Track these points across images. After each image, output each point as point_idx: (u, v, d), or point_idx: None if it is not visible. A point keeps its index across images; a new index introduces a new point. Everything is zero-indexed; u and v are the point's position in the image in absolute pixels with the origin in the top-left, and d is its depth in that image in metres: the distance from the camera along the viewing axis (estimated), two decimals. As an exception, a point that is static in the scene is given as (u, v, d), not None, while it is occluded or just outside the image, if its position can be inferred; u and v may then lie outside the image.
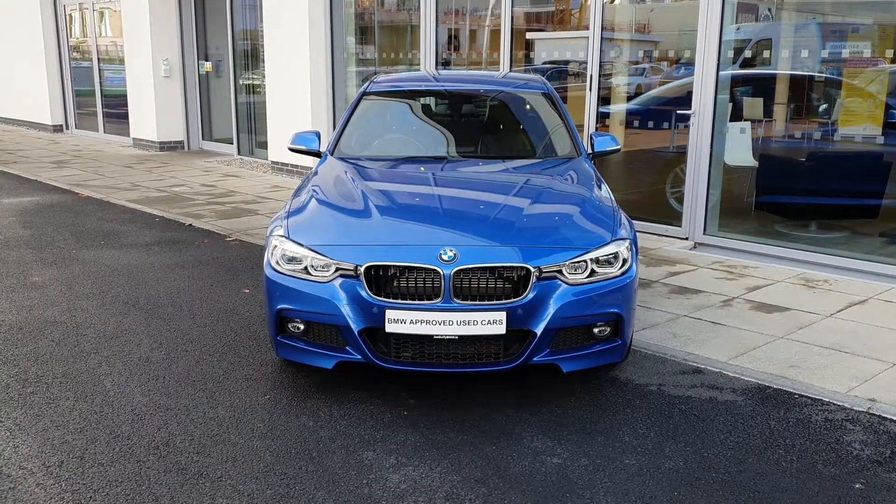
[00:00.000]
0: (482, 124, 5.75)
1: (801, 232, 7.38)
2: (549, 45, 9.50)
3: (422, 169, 4.99)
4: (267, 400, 4.02)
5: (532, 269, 3.77)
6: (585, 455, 3.48)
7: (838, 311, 5.41)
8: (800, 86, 7.78)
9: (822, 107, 7.73)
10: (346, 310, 3.82)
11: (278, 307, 3.99)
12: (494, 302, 3.76)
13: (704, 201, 7.41)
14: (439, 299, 3.75)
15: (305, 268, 3.93)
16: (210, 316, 5.32)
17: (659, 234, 7.68)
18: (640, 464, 3.42)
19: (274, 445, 3.55)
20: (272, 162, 11.89)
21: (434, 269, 3.75)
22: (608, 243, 4.01)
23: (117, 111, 15.75)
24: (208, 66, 13.77)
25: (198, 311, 5.41)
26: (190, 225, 8.25)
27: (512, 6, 8.94)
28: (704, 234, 7.45)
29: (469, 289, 3.76)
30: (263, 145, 12.46)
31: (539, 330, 3.81)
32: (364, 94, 5.69)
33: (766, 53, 7.61)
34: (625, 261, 4.02)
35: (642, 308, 5.37)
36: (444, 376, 4.21)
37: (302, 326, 4.01)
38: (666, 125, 8.26)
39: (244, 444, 3.56)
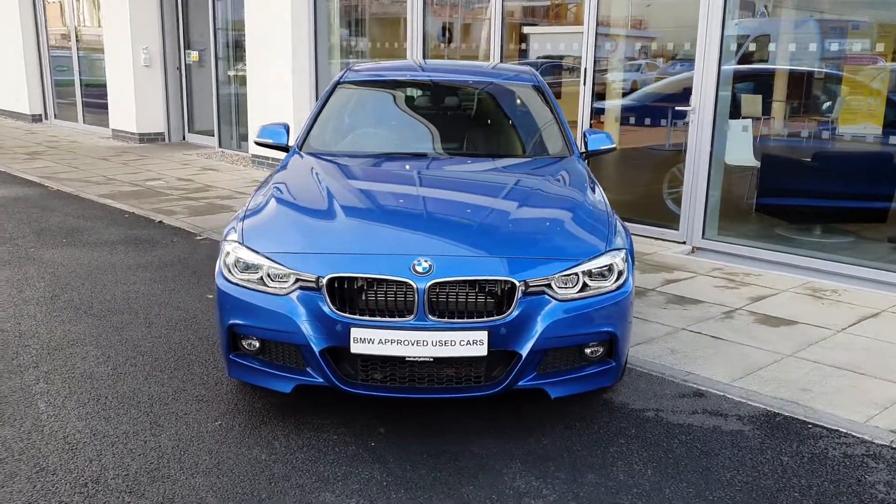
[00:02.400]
0: (467, 118, 5.30)
1: (805, 236, 6.98)
2: (543, 39, 9.07)
3: (400, 167, 4.55)
4: (217, 427, 3.57)
5: (517, 283, 3.34)
6: (575, 497, 3.05)
7: (850, 326, 5.00)
8: (803, 82, 7.39)
9: (825, 104, 7.34)
10: (306, 327, 3.38)
11: (230, 322, 3.55)
12: (475, 320, 3.33)
13: (703, 203, 6.98)
14: (412, 316, 3.31)
15: (261, 278, 3.49)
16: (167, 325, 4.87)
17: (654, 238, 7.26)
18: (636, 509, 2.99)
19: (219, 484, 3.10)
20: (252, 155, 11.43)
21: (406, 283, 3.31)
22: (602, 254, 3.58)
23: (97, 101, 15.23)
24: (194, 55, 13.25)
25: (154, 319, 4.97)
26: (160, 222, 7.79)
27: (503, -5, 8.50)
28: (703, 237, 7.02)
29: (446, 304, 3.33)
30: (245, 138, 11.99)
31: (525, 351, 3.37)
32: (339, 82, 5.23)
33: (764, 49, 7.21)
34: (620, 273, 3.59)
35: (637, 320, 4.94)
36: (419, 399, 3.77)
37: (257, 344, 3.57)
38: (663, 122, 7.84)
39: (185, 481, 3.11)
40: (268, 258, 3.50)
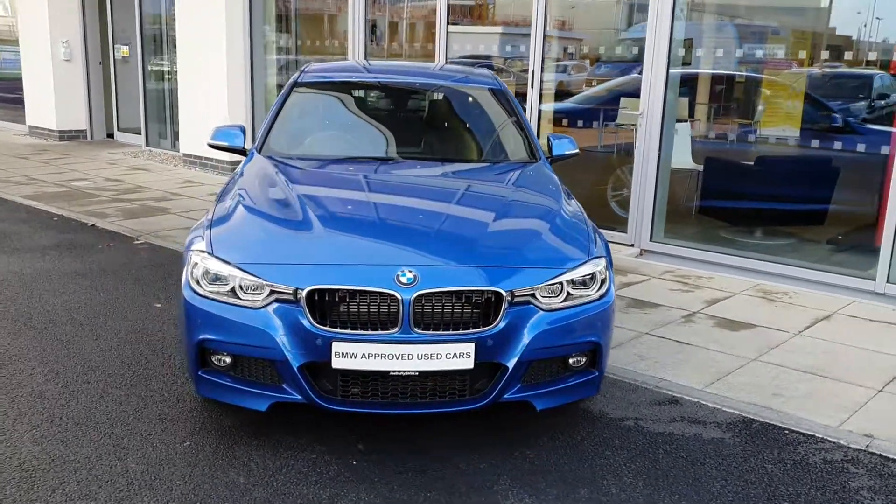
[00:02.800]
0: (431, 122, 5.19)
1: (747, 238, 7.11)
2: (471, 39, 9.00)
3: (367, 173, 4.41)
4: (187, 448, 3.38)
5: (504, 294, 3.25)
6: (570, 514, 2.99)
7: (806, 329, 5.09)
8: (743, 87, 7.55)
9: (762, 108, 7.52)
10: (283, 341, 3.22)
11: (200, 337, 3.35)
12: (461, 332, 3.22)
13: (651, 206, 7.04)
14: (396, 329, 3.19)
15: (233, 290, 3.31)
16: (116, 337, 4.61)
17: (604, 240, 7.27)
18: (633, 524, 2.94)
19: (198, 511, 2.92)
20: (184, 155, 11.03)
21: (390, 294, 3.18)
22: (584, 262, 3.53)
23: (12, 96, 14.49)
24: (124, 50, 12.69)
25: (101, 331, 4.69)
26: (93, 225, 7.42)
27: (448, -6, 8.40)
28: (651, 240, 7.09)
29: (432, 316, 3.22)
30: (177, 136, 11.56)
31: (511, 363, 3.29)
32: (295, 84, 5.04)
33: (698, 53, 7.31)
34: (602, 282, 3.55)
35: (603, 326, 4.91)
36: (401, 415, 3.64)
37: (228, 360, 3.39)
38: (609, 124, 7.89)
39: (161, 510, 2.92)
40: (240, 269, 3.32)
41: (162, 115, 12.14)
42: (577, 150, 5.00)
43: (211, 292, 3.36)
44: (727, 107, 7.65)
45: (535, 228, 3.73)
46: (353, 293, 3.20)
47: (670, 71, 6.84)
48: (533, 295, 3.34)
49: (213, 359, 3.40)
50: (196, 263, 3.44)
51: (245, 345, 3.30)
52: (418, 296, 3.19)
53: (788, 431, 3.70)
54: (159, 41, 12.00)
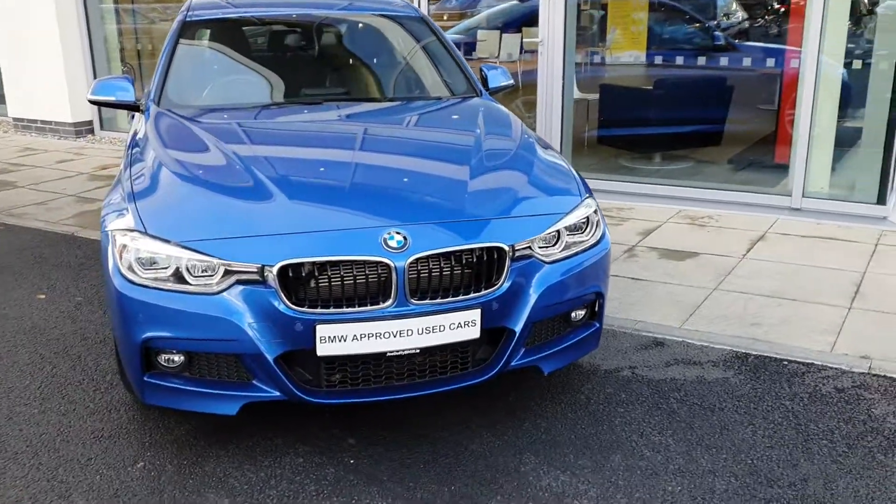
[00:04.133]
0: (354, 59, 4.58)
1: (646, 165, 7.01)
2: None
3: (305, 122, 3.80)
4: (142, 471, 2.77)
5: (506, 249, 2.82)
6: (618, 489, 2.66)
7: (748, 252, 4.99)
8: (620, 11, 7.39)
9: (635, 30, 7.37)
10: (251, 330, 2.66)
11: (145, 336, 2.73)
12: (464, 297, 2.78)
13: (560, 138, 6.77)
14: (390, 302, 2.70)
15: (177, 274, 2.70)
16: (3, 340, 3.83)
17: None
18: (687, 489, 2.65)
19: (187, 552, 2.37)
20: (14, 119, 9.71)
21: (380, 262, 2.68)
22: (578, 205, 3.15)
23: None
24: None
25: (-19, 336, 3.89)
26: (-74, 208, 6.31)
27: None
28: (560, 173, 6.81)
29: (429, 283, 2.75)
30: (1, 99, 10.15)
31: (518, 327, 2.88)
32: (185, 22, 4.28)
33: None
34: (597, 224, 3.19)
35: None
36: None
37: (180, 359, 2.79)
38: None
39: (139, 558, 2.34)
40: (186, 248, 2.71)
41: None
42: (512, 82, 4.58)
43: (150, 279, 2.73)
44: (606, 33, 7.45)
45: (517, 173, 3.28)
46: (333, 265, 2.68)
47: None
48: (530, 247, 2.93)
49: (160, 359, 2.79)
50: (125, 246, 2.79)
51: (202, 339, 2.72)
52: (412, 261, 2.71)
53: (787, 362, 3.53)
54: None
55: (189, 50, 4.22)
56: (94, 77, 9.13)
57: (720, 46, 7.07)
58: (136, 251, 2.76)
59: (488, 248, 2.80)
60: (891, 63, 5.64)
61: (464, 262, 2.78)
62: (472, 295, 2.78)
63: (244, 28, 4.48)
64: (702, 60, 6.92)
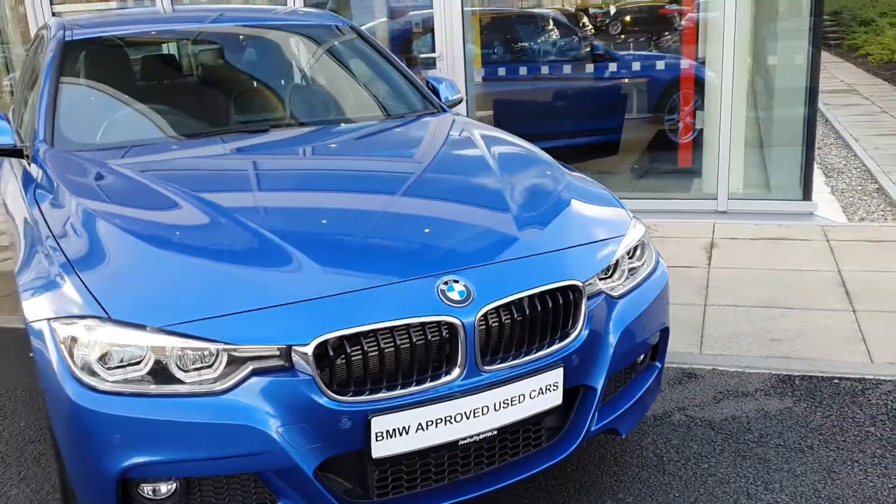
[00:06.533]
0: (297, 79, 3.84)
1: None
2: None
3: (269, 155, 3.04)
4: None
5: (580, 286, 2.25)
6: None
7: (710, 261, 4.67)
8: (504, 24, 7.13)
9: (541, 43, 7.14)
10: (281, 437, 1.93)
11: (125, 464, 1.92)
12: (540, 354, 2.17)
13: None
14: (457, 373, 2.06)
15: (161, 370, 1.93)
16: None
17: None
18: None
19: None
20: None
21: (442, 321, 2.03)
22: (631, 228, 2.63)
23: None
24: None
25: None
26: None
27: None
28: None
29: (499, 342, 2.12)
30: None
31: (600, 383, 2.31)
32: (65, 42, 3.37)
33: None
34: (648, 248, 2.68)
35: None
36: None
37: (173, 487, 2.01)
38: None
39: None
40: (173, 333, 1.94)
41: None
42: (462, 95, 4.01)
43: (119, 382, 1.93)
44: (494, 46, 7.14)
45: (556, 194, 2.68)
46: (383, 333, 2.00)
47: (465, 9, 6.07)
48: (594, 281, 2.37)
49: (142, 490, 1.99)
50: (74, 340, 1.96)
51: (209, 458, 1.95)
52: (482, 315, 2.07)
53: (838, 380, 3.16)
54: None
55: (76, 78, 3.33)
56: None
57: (601, 55, 6.91)
58: (96, 345, 1.95)
59: (562, 287, 2.22)
60: (802, 61, 5.60)
61: (537, 309, 2.17)
62: (548, 350, 2.19)
63: (140, 49, 3.63)
64: (589, 69, 6.76)
